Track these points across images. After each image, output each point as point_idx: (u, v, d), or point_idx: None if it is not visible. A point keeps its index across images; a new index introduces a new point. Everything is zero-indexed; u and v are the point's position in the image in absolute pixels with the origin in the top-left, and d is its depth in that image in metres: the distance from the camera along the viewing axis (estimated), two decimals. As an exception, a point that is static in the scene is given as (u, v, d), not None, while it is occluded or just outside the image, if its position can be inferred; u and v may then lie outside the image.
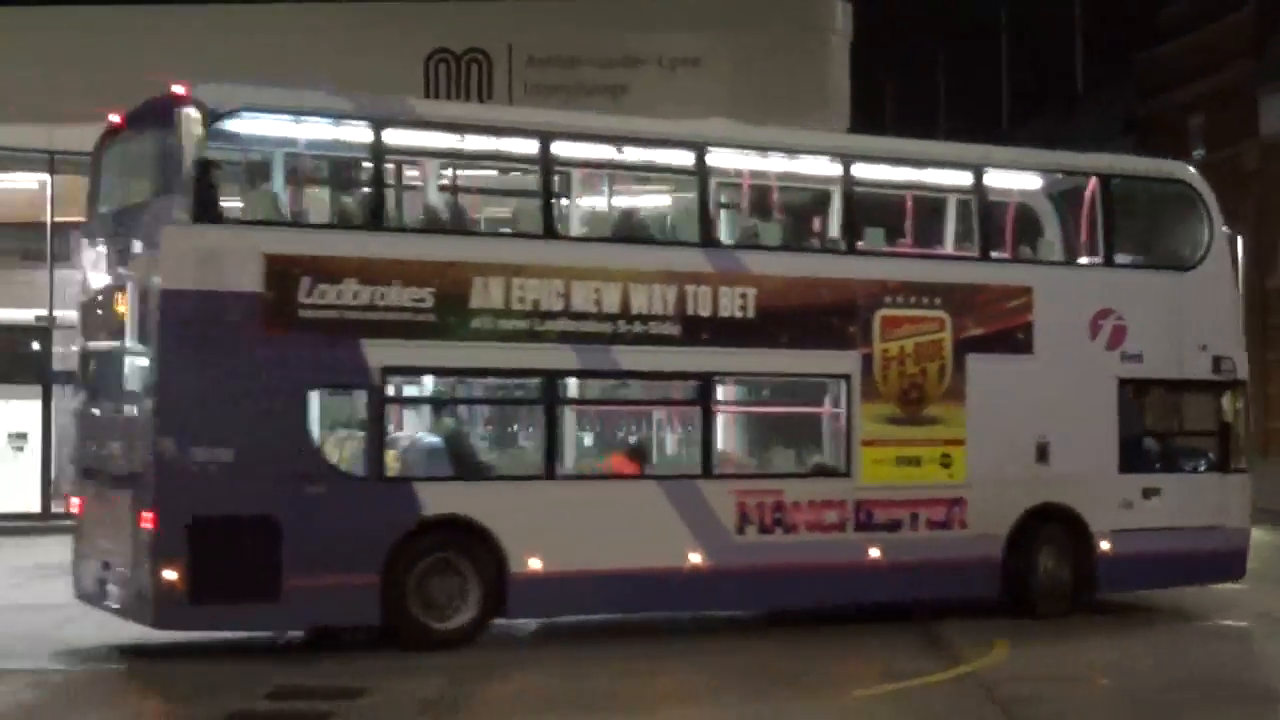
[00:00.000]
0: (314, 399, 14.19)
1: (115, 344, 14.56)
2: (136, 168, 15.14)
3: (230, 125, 14.25)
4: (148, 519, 13.42)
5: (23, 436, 30.61)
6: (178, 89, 13.90)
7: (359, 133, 14.84)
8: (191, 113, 13.86)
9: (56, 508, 30.49)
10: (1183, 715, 12.61)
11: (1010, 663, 14.44)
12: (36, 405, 30.13)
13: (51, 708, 12.10)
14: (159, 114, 14.09)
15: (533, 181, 15.48)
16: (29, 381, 30.16)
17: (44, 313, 30.31)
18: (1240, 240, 32.77)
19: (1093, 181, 17.83)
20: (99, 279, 14.89)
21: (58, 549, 24.43)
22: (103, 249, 14.89)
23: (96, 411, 14.98)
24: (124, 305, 14.13)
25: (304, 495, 13.77)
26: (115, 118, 15.09)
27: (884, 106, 58.08)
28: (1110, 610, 17.57)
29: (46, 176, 30.33)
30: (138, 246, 13.98)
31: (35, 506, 30.22)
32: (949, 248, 17.74)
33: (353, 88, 27.46)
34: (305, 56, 27.25)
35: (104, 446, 14.52)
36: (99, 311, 14.81)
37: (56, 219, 30.55)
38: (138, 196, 14.85)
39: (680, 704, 12.82)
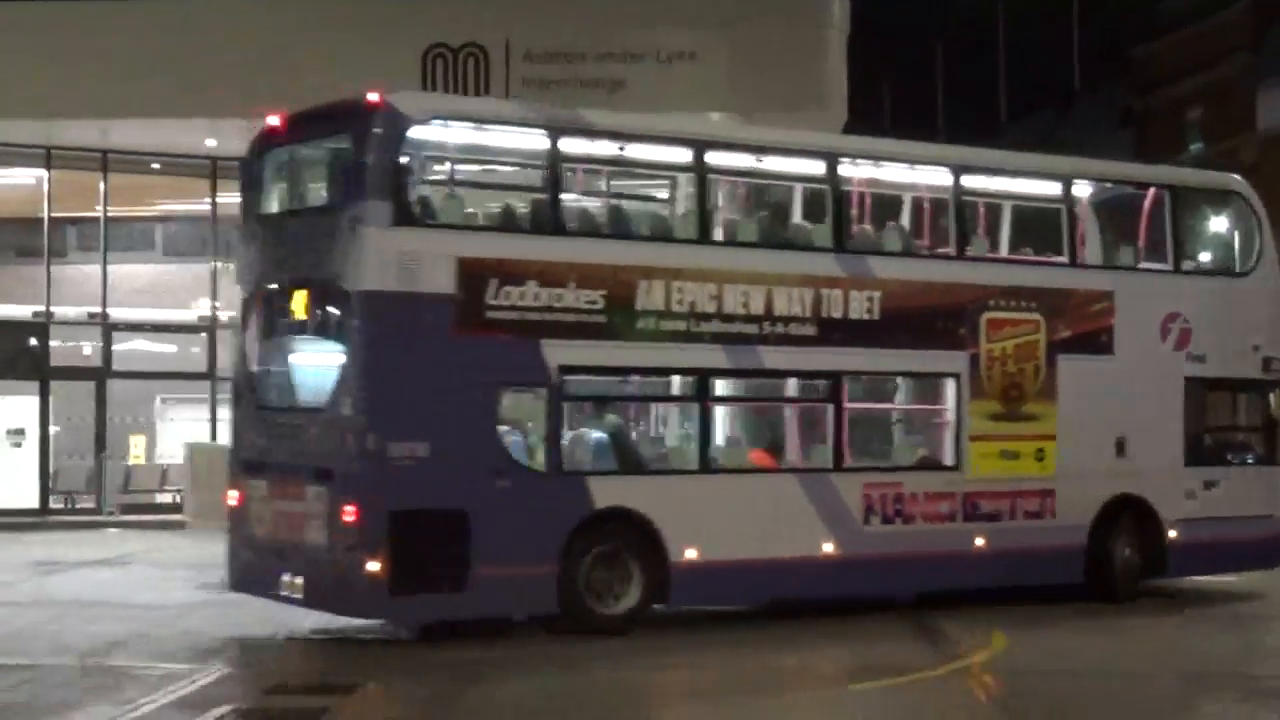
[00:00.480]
0: (499, 397, 14.80)
1: (303, 342, 15.31)
2: (317, 171, 15.97)
3: (421, 131, 14.84)
4: (350, 512, 14.04)
5: (21, 432, 30.57)
6: (372, 96, 14.44)
7: (537, 140, 15.37)
8: (389, 119, 14.45)
9: (55, 503, 30.53)
10: (1179, 708, 12.79)
11: (1008, 655, 14.59)
12: (34, 401, 30.01)
13: (48, 703, 12.14)
14: (349, 119, 14.68)
15: (686, 188, 16.45)
16: (27, 377, 30.01)
17: (41, 309, 30.25)
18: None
19: (1155, 192, 19.17)
20: (266, 278, 15.46)
21: (55, 545, 24.53)
22: (269, 249, 15.45)
23: (272, 407, 15.52)
24: (304, 304, 14.89)
25: (491, 489, 14.45)
26: (274, 120, 15.63)
27: (881, 101, 57.89)
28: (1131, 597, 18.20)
29: (44, 172, 30.30)
30: (333, 248, 14.43)
31: (33, 502, 30.15)
32: (1038, 254, 18.83)
33: (350, 83, 27.25)
34: (302, 51, 27.38)
35: (289, 442, 15.00)
36: (271, 310, 15.42)
37: (53, 214, 30.59)
38: (318, 199, 15.66)
39: (678, 701, 12.97)
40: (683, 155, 16.11)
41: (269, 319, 15.53)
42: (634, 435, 16.63)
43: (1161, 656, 14.98)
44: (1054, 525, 17.67)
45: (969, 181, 17.70)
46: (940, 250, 17.67)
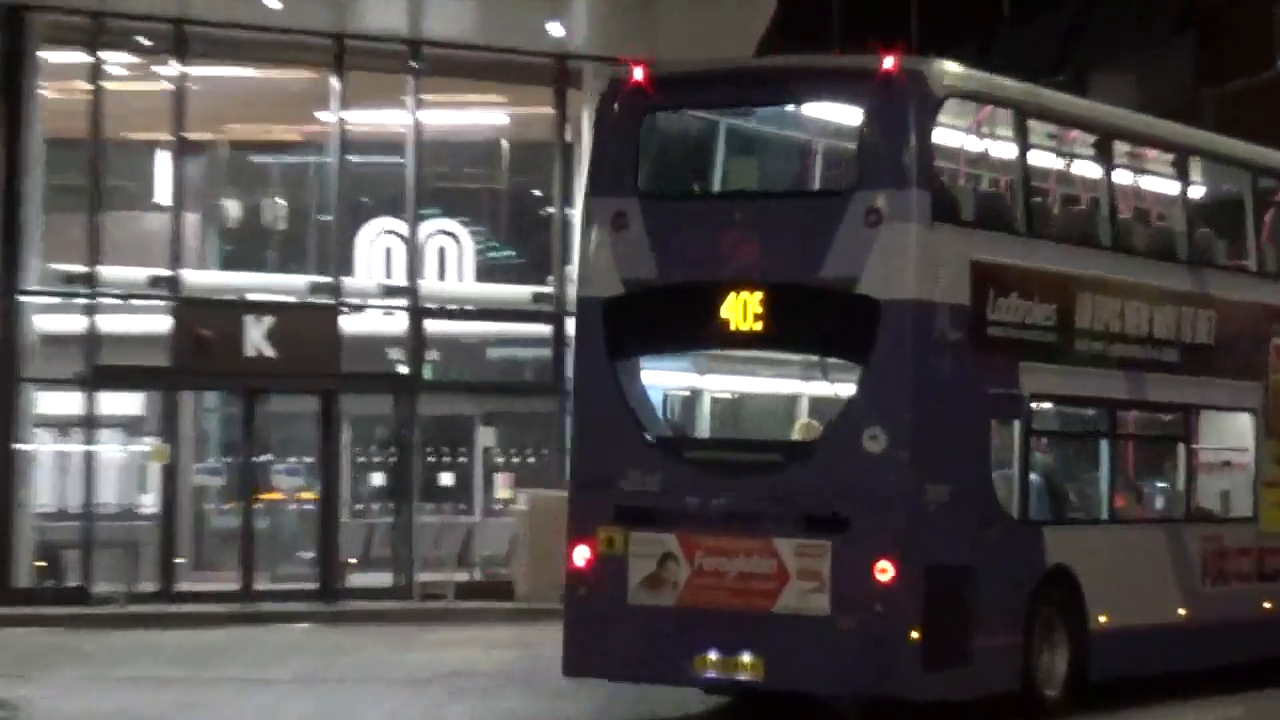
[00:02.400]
0: (989, 429, 17.01)
1: (759, 359, 17.71)
2: (782, 146, 18.49)
3: (947, 111, 16.82)
4: (886, 569, 15.64)
5: None
6: (888, 63, 16.20)
7: (1030, 127, 17.71)
8: (925, 94, 16.30)
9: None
10: None
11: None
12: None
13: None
14: (862, 87, 16.43)
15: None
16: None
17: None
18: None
19: None
20: (669, 274, 16.87)
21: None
22: (669, 238, 16.95)
23: (687, 439, 17.54)
24: (761, 311, 16.30)
25: (985, 540, 16.53)
26: (639, 73, 17.17)
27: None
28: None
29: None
30: (834, 244, 16.03)
31: None
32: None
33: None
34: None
35: (734, 481, 16.48)
36: (675, 315, 17.02)
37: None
38: (794, 182, 18.49)
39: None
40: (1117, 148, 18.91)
41: (665, 325, 17.18)
42: (1066, 478, 18.81)
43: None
44: None
45: (1265, 184, 20.91)
46: (1245, 265, 20.68)
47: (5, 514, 28.40)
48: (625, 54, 31.73)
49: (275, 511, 31.76)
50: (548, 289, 31.54)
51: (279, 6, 28.81)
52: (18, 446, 28.59)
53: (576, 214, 29.89)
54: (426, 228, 31.36)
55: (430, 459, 31.84)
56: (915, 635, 15.72)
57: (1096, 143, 18.87)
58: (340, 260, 30.86)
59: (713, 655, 16.29)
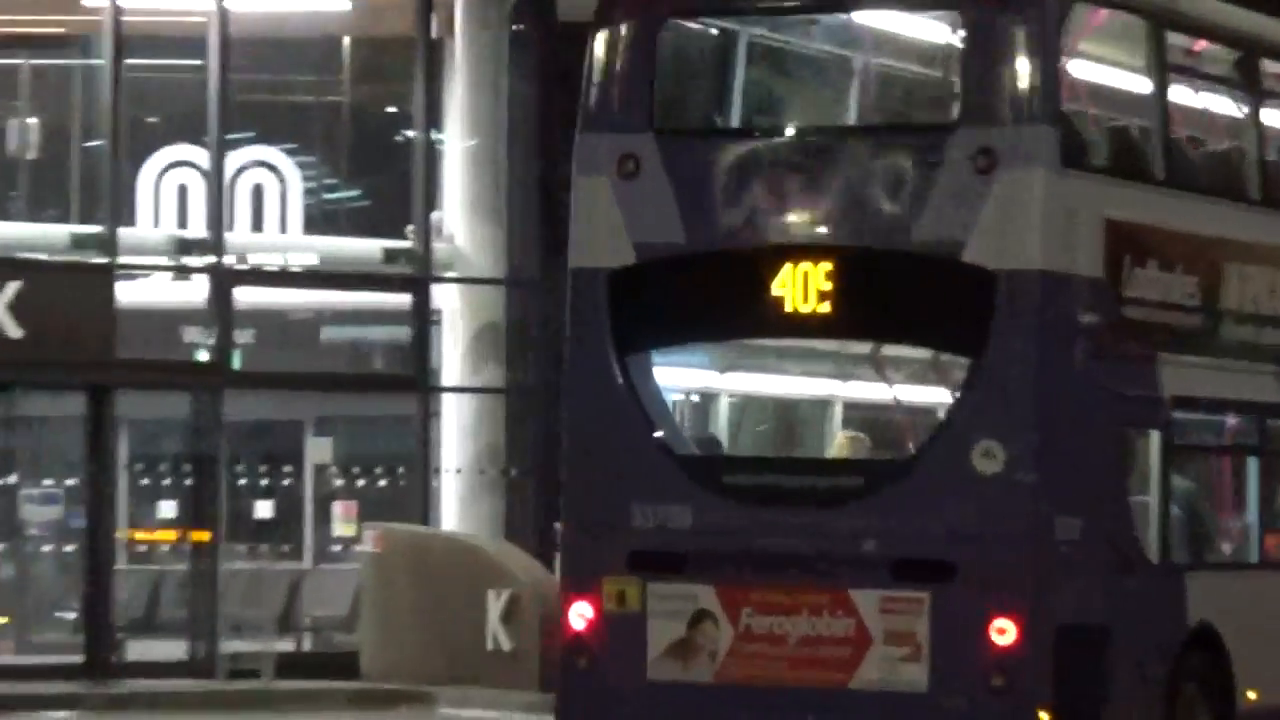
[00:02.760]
0: (1125, 444, 17.08)
1: (824, 349, 17.66)
2: (846, 65, 18.15)
3: (1073, 20, 16.79)
4: (1005, 629, 15.23)
5: None
6: None
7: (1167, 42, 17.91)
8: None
9: None
10: None
11: None
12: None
13: None
14: None
15: None
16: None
17: None
18: None
19: None
20: (700, 238, 16.57)
21: None
22: (696, 191, 16.47)
23: (735, 459, 17.58)
24: (829, 289, 15.91)
25: (1123, 590, 16.34)
26: None
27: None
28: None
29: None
30: (930, 198, 15.63)
31: None
32: None
33: None
34: None
35: (792, 516, 15.94)
36: (707, 293, 16.65)
37: None
38: (835, 113, 17.84)
39: None
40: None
41: (695, 307, 16.67)
42: (1209, 509, 18.82)
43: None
44: None
45: None
46: None
47: None
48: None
49: (24, 555, 30.86)
50: (406, 243, 29.44)
51: None
52: None
53: (447, 139, 29.49)
54: (237, 158, 29.34)
55: (242, 481, 30.66)
56: (1044, 717, 15.16)
57: (1239, 61, 18.24)
58: (115, 204, 28.75)
59: None
